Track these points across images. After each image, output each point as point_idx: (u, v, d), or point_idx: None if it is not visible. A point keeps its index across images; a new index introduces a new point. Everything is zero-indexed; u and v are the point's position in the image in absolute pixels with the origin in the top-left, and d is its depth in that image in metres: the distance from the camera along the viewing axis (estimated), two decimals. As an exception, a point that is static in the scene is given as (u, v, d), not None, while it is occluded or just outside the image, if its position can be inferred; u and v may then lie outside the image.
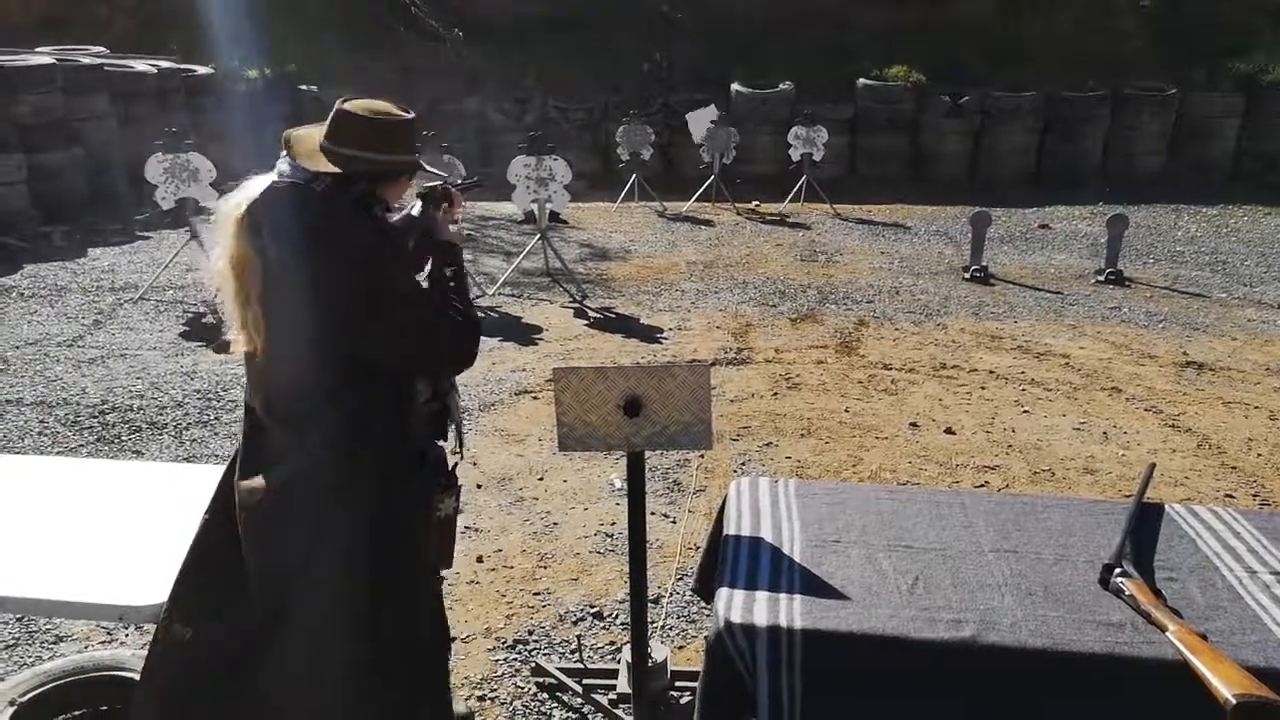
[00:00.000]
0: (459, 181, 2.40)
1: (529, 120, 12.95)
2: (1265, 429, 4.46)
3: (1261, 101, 12.92)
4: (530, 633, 2.90)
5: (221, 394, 4.96)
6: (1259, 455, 4.16)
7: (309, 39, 13.35)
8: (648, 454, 2.25)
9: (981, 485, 3.88)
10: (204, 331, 6.10)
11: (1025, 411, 4.75)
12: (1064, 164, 13.12)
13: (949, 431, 4.47)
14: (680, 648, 2.85)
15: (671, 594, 3.12)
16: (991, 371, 5.39)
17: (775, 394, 5.02)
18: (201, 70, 12.57)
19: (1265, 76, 13.04)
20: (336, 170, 1.81)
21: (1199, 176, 12.59)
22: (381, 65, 13.17)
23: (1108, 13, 14.22)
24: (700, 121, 11.10)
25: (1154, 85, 13.03)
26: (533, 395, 4.99)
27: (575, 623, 2.96)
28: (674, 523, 3.60)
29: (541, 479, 3.99)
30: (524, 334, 6.16)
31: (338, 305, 1.73)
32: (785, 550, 1.98)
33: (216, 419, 4.62)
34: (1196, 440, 4.34)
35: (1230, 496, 3.73)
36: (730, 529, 2.10)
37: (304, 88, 12.88)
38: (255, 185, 1.86)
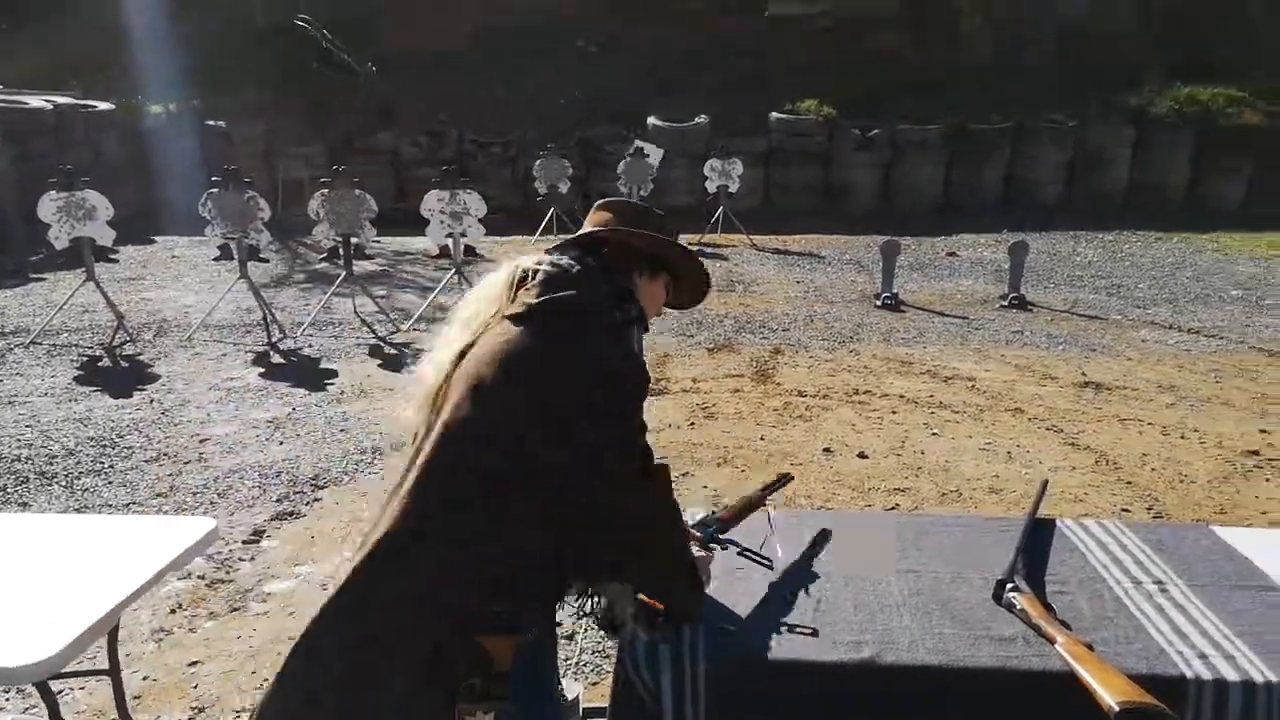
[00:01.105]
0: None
1: (444, 154, 12.88)
2: (1158, 444, 4.64)
3: (1150, 133, 13.65)
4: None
5: (117, 440, 4.75)
6: (1153, 470, 4.32)
7: (217, 74, 13.07)
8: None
9: (892, 507, 3.95)
10: (99, 376, 5.86)
11: (934, 434, 4.86)
12: (970, 193, 13.63)
13: (861, 456, 4.54)
14: (595, 684, 2.81)
15: (586, 630, 3.08)
16: (902, 396, 5.51)
17: (692, 424, 5.04)
18: (103, 106, 12.19)
19: (1153, 110, 13.78)
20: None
21: (1095, 204, 13.21)
22: (293, 100, 12.98)
23: (1010, 48, 14.87)
24: (654, 152, 11.30)
25: (1053, 118, 13.66)
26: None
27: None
28: (589, 556, 3.55)
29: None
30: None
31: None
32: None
33: (111, 466, 4.42)
34: (1094, 457, 4.49)
35: (1126, 510, 3.86)
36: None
37: (211, 123, 12.59)
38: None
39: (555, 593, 1.52)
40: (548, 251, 1.64)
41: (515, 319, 1.48)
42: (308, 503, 4.07)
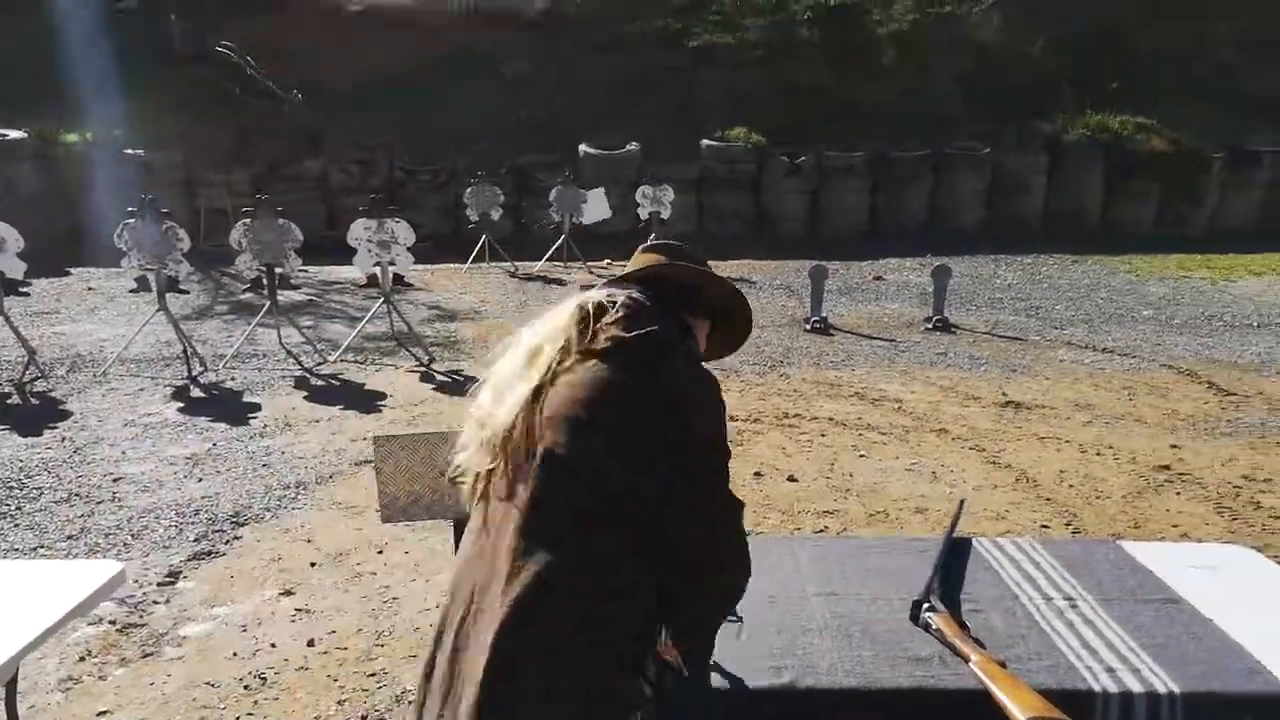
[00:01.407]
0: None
1: (374, 182, 12.75)
2: (1076, 461, 4.79)
3: (1064, 160, 14.18)
4: (364, 718, 2.74)
5: (25, 481, 4.55)
6: (1070, 486, 4.45)
7: (136, 101, 12.75)
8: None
9: (821, 530, 3.99)
10: (9, 413, 5.62)
11: (862, 456, 4.93)
12: (894, 219, 13.96)
13: (791, 479, 4.59)
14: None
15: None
16: (831, 418, 5.59)
17: (624, 450, 5.03)
18: (14, 134, 11.80)
19: (1066, 137, 14.33)
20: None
21: (1014, 228, 13.63)
22: (215, 128, 12.73)
23: (927, 78, 15.33)
24: (598, 202, 11.28)
25: (971, 145, 14.10)
26: (374, 465, 4.81)
27: (413, 703, 2.82)
28: (519, 588, 3.51)
29: (381, 552, 3.83)
30: (367, 401, 5.97)
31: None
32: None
33: (18, 509, 4.23)
34: (1015, 475, 4.61)
35: (1045, 526, 3.97)
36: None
37: (130, 152, 12.26)
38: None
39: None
40: (608, 286, 1.59)
41: (602, 354, 1.44)
42: (227, 541, 3.95)
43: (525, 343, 1.54)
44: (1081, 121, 14.38)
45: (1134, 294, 9.86)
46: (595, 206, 11.34)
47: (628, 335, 1.44)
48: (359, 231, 6.94)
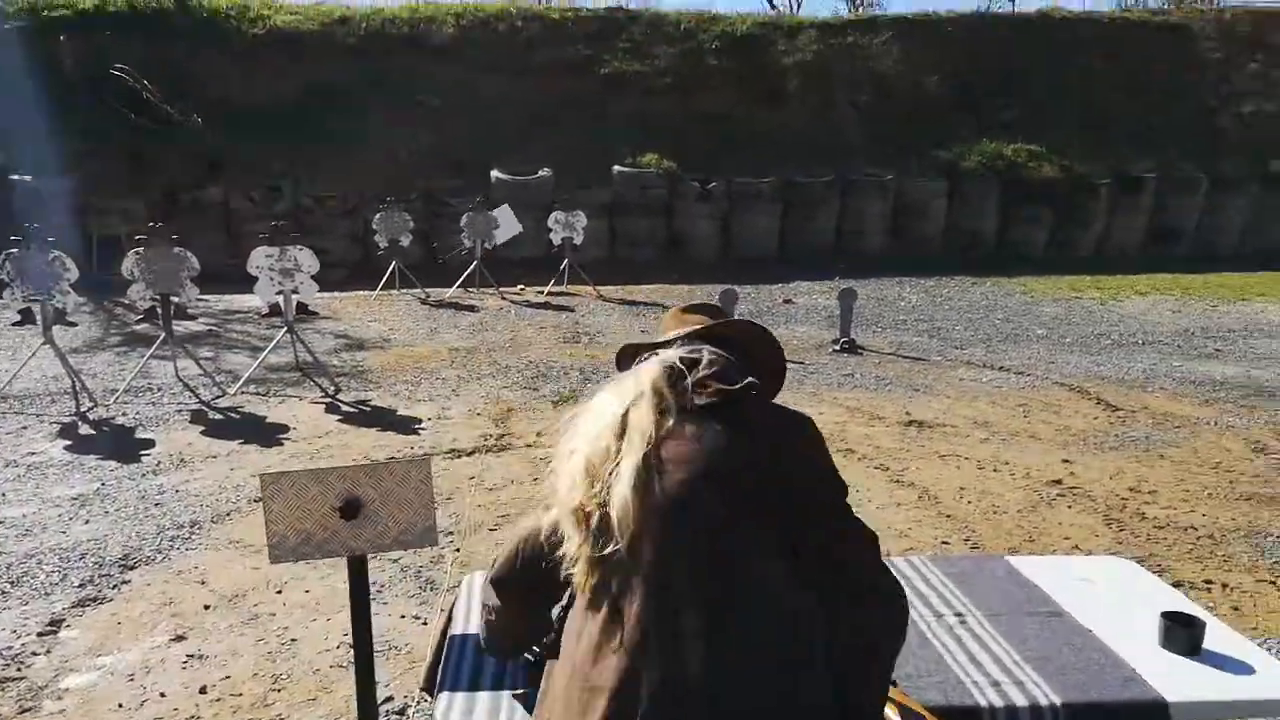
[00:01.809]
0: None
1: (279, 208, 12.45)
2: (974, 478, 4.94)
3: (962, 185, 14.75)
4: (258, 766, 2.64)
5: (-109, 527, 4.26)
6: (969, 503, 4.59)
7: (25, 124, 12.19)
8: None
9: (731, 553, 4.01)
10: (-125, 455, 5.26)
11: (771, 477, 4.99)
12: (803, 243, 14.29)
13: (702, 502, 4.61)
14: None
15: (419, 701, 2.96)
16: (741, 441, 5.64)
17: (535, 479, 4.98)
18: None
19: (962, 164, 14.91)
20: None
21: (917, 251, 14.11)
22: (109, 153, 12.27)
23: (830, 106, 15.79)
24: (508, 219, 11.19)
25: (874, 172, 14.55)
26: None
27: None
28: (425, 624, 3.44)
29: (280, 592, 3.70)
30: (268, 435, 5.78)
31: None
32: (509, 645, 1.93)
33: (-118, 557, 3.95)
34: (918, 493, 4.73)
35: (945, 543, 4.08)
36: (457, 628, 2.03)
37: (17, 178, 11.71)
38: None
39: None
40: (683, 344, 1.59)
41: (708, 410, 1.44)
42: (114, 586, 3.76)
43: (607, 411, 1.50)
44: (977, 149, 15.00)
45: (1029, 314, 10.28)
46: (506, 224, 11.27)
47: (733, 387, 1.45)
48: (260, 259, 6.75)
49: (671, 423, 1.43)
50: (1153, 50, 17.26)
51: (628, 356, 1.68)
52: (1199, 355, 8.18)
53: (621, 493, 1.38)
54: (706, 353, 1.53)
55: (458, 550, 4.04)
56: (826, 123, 15.51)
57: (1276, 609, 3.49)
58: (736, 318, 1.71)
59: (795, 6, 25.34)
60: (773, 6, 24.76)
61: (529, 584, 1.63)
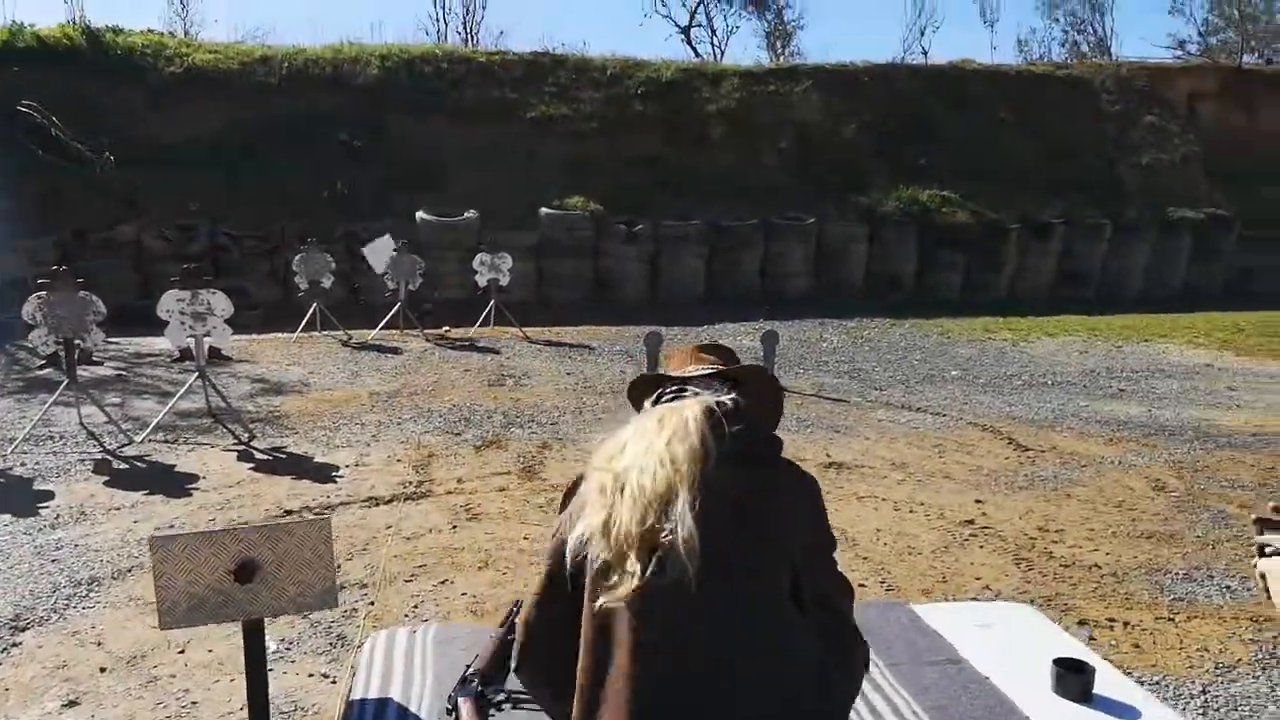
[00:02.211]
0: None
1: (194, 248, 12.15)
2: (890, 519, 5.03)
3: (880, 229, 15.18)
4: (150, 841, 2.51)
5: None
6: (885, 544, 4.67)
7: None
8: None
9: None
10: None
11: (693, 521, 5.00)
12: (729, 285, 14.51)
13: (623, 549, 4.58)
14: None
15: (326, 765, 2.86)
16: (664, 485, 5.65)
17: (454, 527, 4.91)
18: None
19: (881, 209, 15.36)
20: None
21: (838, 293, 14.44)
22: (16, 191, 11.83)
23: (753, 152, 16.14)
24: (379, 252, 11.00)
25: (796, 215, 14.89)
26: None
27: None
28: (334, 683, 3.33)
29: (182, 652, 3.55)
30: (176, 485, 5.58)
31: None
32: (413, 710, 1.88)
33: None
34: (837, 534, 4.78)
35: (863, 585, 4.13)
36: (357, 692, 1.97)
37: (-88, 215, 11.21)
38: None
39: None
40: (703, 384, 1.67)
41: (743, 458, 1.53)
42: (4, 649, 3.57)
43: (657, 441, 1.54)
44: (895, 195, 15.47)
45: (945, 355, 10.58)
46: (377, 253, 11.04)
47: (762, 440, 1.60)
48: (170, 303, 6.55)
49: (709, 466, 1.50)
50: (1057, 102, 18.12)
51: (643, 388, 1.75)
52: (1104, 395, 8.51)
53: (689, 526, 1.45)
54: (730, 400, 1.60)
55: (372, 604, 3.94)
56: (750, 167, 15.84)
57: (1175, 646, 3.61)
58: (749, 364, 1.81)
59: (718, 56, 25.96)
60: (697, 55, 25.33)
61: (562, 642, 1.58)
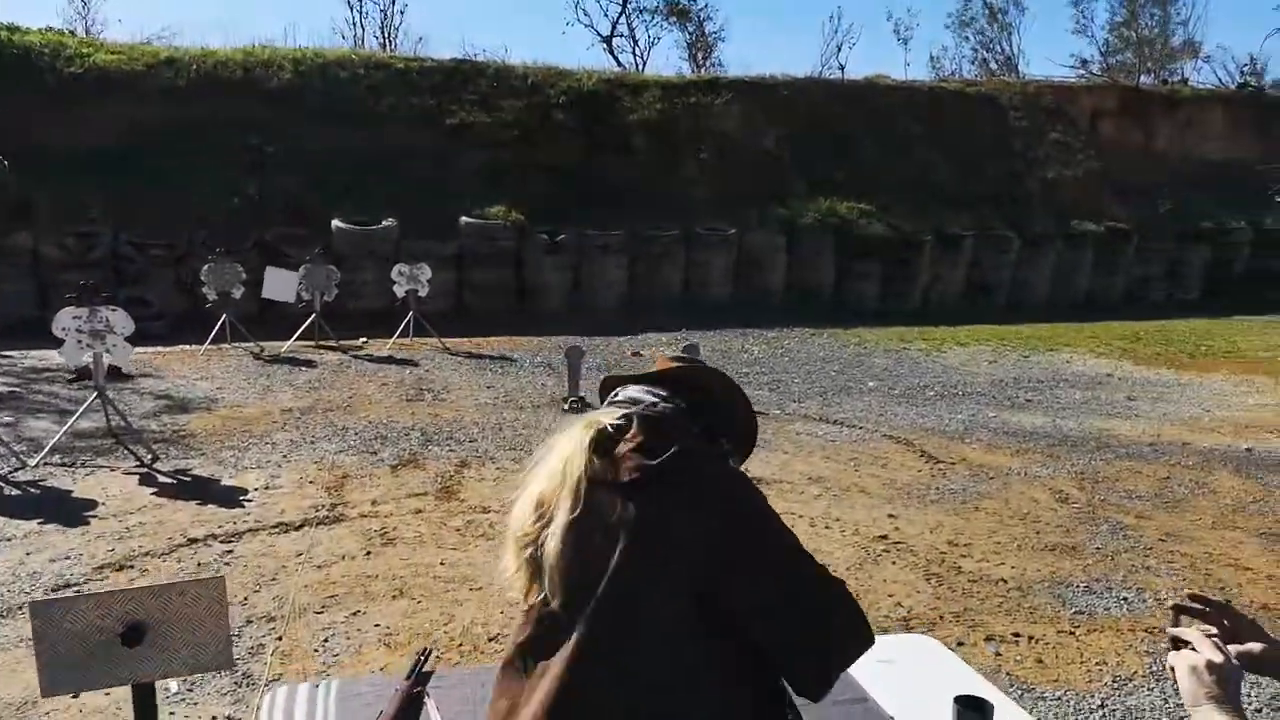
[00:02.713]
0: None
1: (96, 256, 11.67)
2: (807, 536, 5.09)
3: (800, 240, 15.43)
4: None
5: None
6: (801, 562, 4.73)
7: None
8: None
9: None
10: None
11: (612, 543, 4.99)
12: (651, 294, 14.56)
13: (541, 573, 4.54)
14: None
15: (227, 817, 2.76)
16: (583, 504, 5.62)
17: (368, 553, 4.80)
18: None
19: (800, 220, 15.62)
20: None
21: (759, 303, 14.61)
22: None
23: (674, 162, 16.23)
24: (283, 285, 10.64)
25: (717, 226, 15.03)
26: (76, 589, 4.28)
27: None
28: (238, 726, 3.22)
29: (76, 696, 3.38)
30: (73, 512, 5.32)
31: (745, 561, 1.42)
32: (314, 773, 1.82)
33: None
34: (754, 554, 4.83)
35: (778, 606, 4.17)
36: (258, 752, 1.90)
37: None
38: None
39: None
40: (619, 401, 1.60)
41: (631, 486, 1.45)
42: (-125, 701, 3.34)
43: (557, 455, 1.53)
44: (813, 206, 15.75)
45: (861, 365, 10.80)
46: (278, 287, 10.77)
47: (653, 462, 1.45)
48: (66, 321, 6.26)
49: (599, 490, 1.47)
50: (967, 118, 18.71)
51: (607, 389, 1.70)
52: (1012, 406, 8.79)
53: (553, 548, 1.45)
54: (637, 411, 1.54)
55: (279, 639, 3.82)
56: (671, 177, 15.93)
57: (1075, 660, 3.74)
58: (690, 365, 1.71)
59: (640, 66, 26.08)
60: (620, 65, 25.40)
61: None
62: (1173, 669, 1.26)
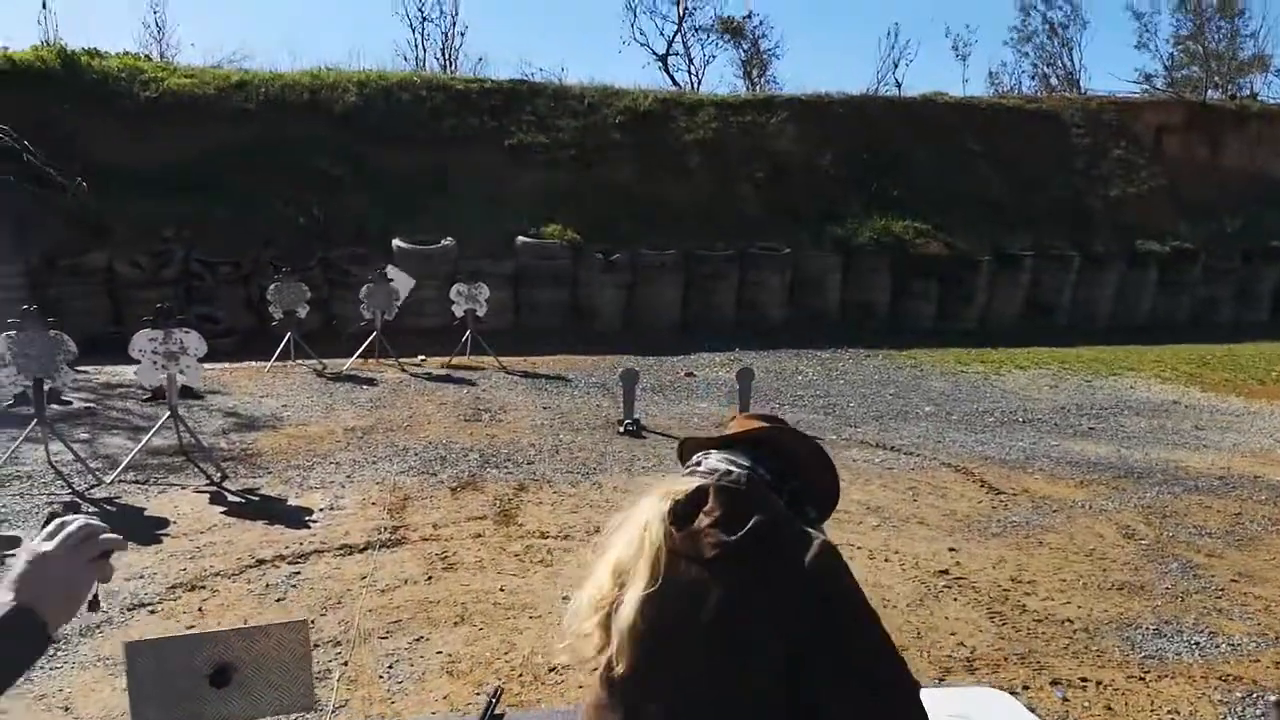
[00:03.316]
0: None
1: (168, 274, 12.06)
2: (865, 569, 5.05)
3: (855, 259, 15.33)
4: None
5: None
6: (861, 597, 4.69)
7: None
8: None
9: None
10: None
11: (669, 572, 5.00)
12: (705, 314, 14.58)
13: (599, 602, 4.57)
14: None
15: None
16: (640, 531, 5.64)
17: (430, 578, 4.88)
18: None
19: (856, 239, 15.52)
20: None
21: (813, 324, 14.54)
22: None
23: (729, 181, 16.27)
24: (402, 281, 11.11)
25: (771, 245, 15.00)
26: (151, 609, 4.43)
27: None
28: (308, 751, 3.30)
29: None
30: (146, 530, 5.50)
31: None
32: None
33: None
34: (812, 587, 4.81)
35: (838, 643, 4.14)
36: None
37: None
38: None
39: None
40: (697, 466, 1.60)
41: (708, 563, 1.44)
42: (-34, 717, 3.49)
43: (638, 523, 1.52)
44: (868, 225, 15.64)
45: (918, 389, 10.67)
46: (401, 283, 11.16)
47: (732, 538, 1.44)
48: (142, 343, 6.49)
49: (677, 563, 1.47)
50: (1026, 135, 18.44)
51: (688, 452, 1.69)
52: (1074, 434, 8.62)
53: (627, 614, 1.45)
54: (715, 481, 1.54)
55: (345, 664, 3.90)
56: (726, 196, 15.96)
57: (1146, 708, 3.66)
58: (769, 426, 1.66)
59: (695, 84, 26.20)
60: (675, 83, 25.53)
61: None
62: None
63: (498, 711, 2.19)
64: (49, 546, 1.24)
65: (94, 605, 1.36)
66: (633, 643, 1.47)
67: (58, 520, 1.30)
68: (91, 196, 12.72)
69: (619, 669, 1.49)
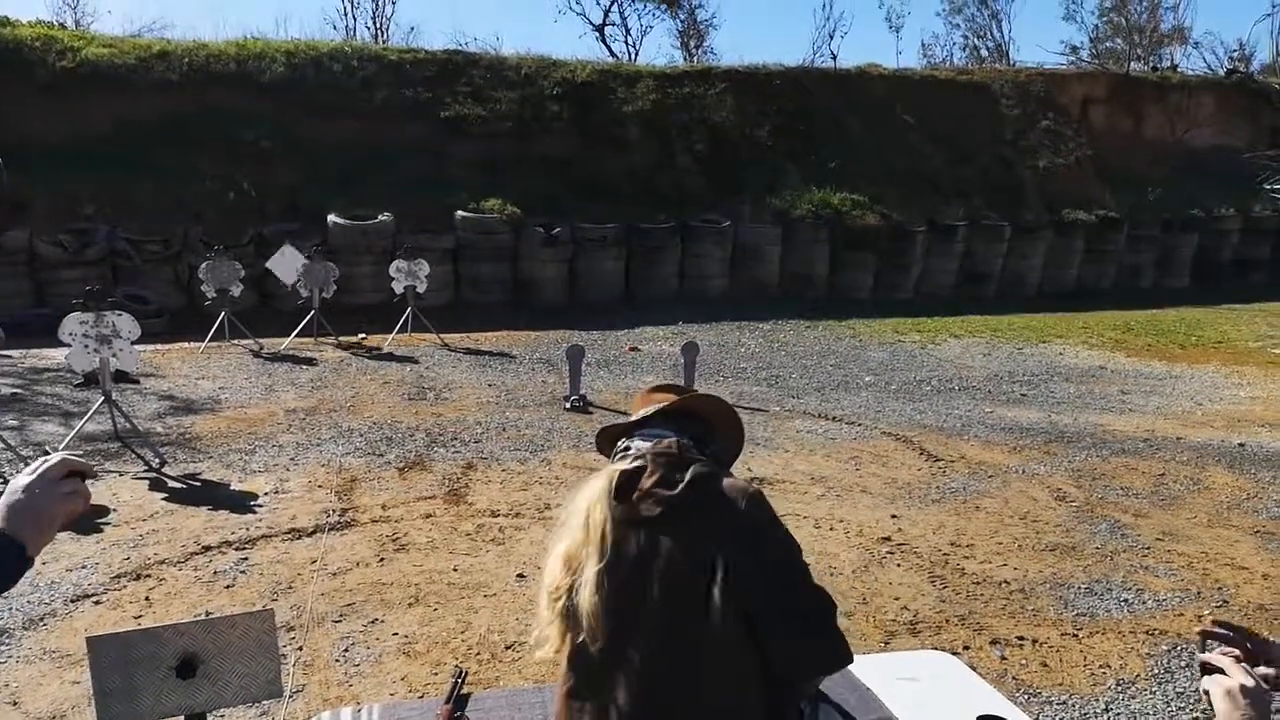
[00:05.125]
0: None
1: (92, 254, 11.64)
2: (811, 538, 5.19)
3: (794, 231, 15.47)
4: None
5: None
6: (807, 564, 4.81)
7: None
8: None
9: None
10: None
11: (621, 546, 5.06)
12: (647, 287, 14.60)
13: (553, 578, 4.62)
14: None
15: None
16: (591, 506, 5.69)
17: (381, 559, 4.86)
18: None
19: (794, 211, 15.66)
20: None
21: (754, 296, 14.67)
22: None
23: (668, 153, 16.25)
24: (287, 265, 10.72)
25: (712, 218, 15.06)
26: (95, 600, 4.35)
27: None
28: (267, 738, 3.29)
29: None
30: (84, 518, 5.37)
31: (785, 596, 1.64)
32: (365, 801, 1.90)
33: None
34: (761, 557, 4.92)
35: (788, 611, 4.26)
36: (307, 782, 1.97)
37: None
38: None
39: None
40: (635, 439, 1.75)
41: (653, 523, 1.59)
42: (-94, 717, 3.40)
43: (580, 511, 1.67)
44: (806, 197, 15.79)
45: (858, 360, 10.89)
46: (285, 266, 10.84)
47: (672, 493, 1.61)
48: (73, 326, 6.29)
49: (625, 532, 1.60)
50: (958, 106, 18.75)
51: (608, 441, 1.85)
52: (1007, 401, 8.90)
53: (588, 597, 1.57)
54: (650, 457, 1.68)
55: (300, 649, 3.89)
56: (666, 169, 15.95)
57: (1079, 663, 3.85)
58: (700, 393, 1.86)
59: (633, 55, 26.01)
60: (612, 54, 25.32)
61: None
62: (1207, 693, 1.34)
63: (464, 692, 2.23)
64: (26, 479, 1.37)
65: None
66: (597, 619, 1.57)
67: (41, 459, 1.42)
68: (6, 172, 12.16)
69: (593, 648, 1.55)
